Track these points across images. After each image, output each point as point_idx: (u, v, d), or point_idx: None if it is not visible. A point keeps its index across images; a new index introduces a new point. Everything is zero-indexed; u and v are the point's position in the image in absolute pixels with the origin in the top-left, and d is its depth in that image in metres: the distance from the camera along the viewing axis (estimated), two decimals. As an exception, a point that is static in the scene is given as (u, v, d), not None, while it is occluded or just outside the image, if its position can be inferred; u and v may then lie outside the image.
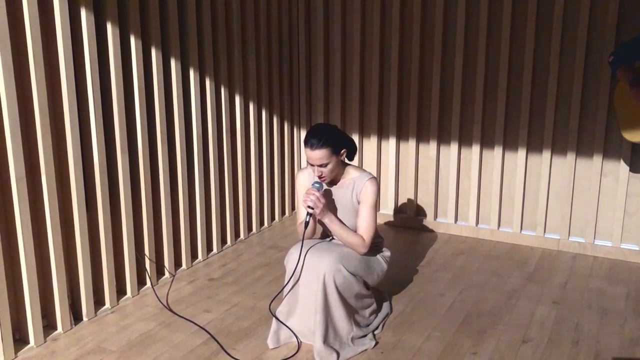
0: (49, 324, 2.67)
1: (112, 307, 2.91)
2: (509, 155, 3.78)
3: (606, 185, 3.54)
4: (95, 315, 2.82)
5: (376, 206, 2.58)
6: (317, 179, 2.55)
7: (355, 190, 2.60)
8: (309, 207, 2.47)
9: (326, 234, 2.79)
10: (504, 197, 3.85)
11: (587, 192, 3.59)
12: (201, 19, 3.33)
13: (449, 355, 2.48)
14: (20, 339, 2.55)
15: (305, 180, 2.70)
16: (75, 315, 2.77)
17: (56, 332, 2.64)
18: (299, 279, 2.52)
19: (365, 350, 2.50)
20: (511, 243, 3.84)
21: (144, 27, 2.97)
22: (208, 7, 3.34)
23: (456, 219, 4.03)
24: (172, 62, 3.14)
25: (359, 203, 2.60)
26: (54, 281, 2.60)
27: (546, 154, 3.63)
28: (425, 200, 4.12)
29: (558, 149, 3.62)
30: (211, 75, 3.43)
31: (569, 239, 3.68)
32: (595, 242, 3.62)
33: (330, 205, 2.65)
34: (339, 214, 2.64)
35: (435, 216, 4.11)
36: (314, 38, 4.23)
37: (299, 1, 4.16)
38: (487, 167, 3.87)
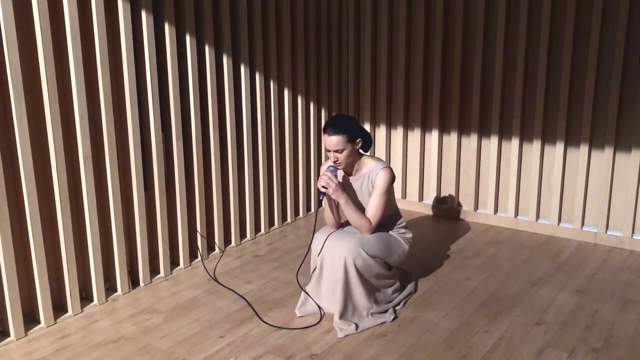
0: (110, 287, 3.07)
1: (165, 276, 3.28)
2: (547, 148, 3.85)
3: (645, 180, 3.55)
4: (151, 282, 3.19)
5: (387, 194, 2.75)
6: (332, 164, 2.77)
7: (370, 178, 2.80)
8: (322, 187, 2.70)
9: None
10: (542, 189, 3.93)
11: (625, 186, 3.62)
12: (252, 16, 3.63)
13: (462, 331, 2.66)
14: (86, 297, 2.96)
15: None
16: (134, 281, 3.16)
17: (116, 293, 3.03)
18: (322, 261, 2.77)
19: (384, 322, 2.72)
20: (548, 235, 3.91)
21: (199, 26, 3.30)
22: (259, 4, 3.63)
23: (496, 210, 4.14)
24: (224, 58, 3.46)
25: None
26: (115, 250, 2.99)
27: (584, 148, 3.68)
28: (466, 192, 4.25)
29: (596, 142, 3.67)
30: (261, 70, 3.73)
31: (607, 233, 3.72)
32: (633, 237, 3.64)
33: (349, 194, 2.86)
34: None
35: (476, 207, 4.23)
36: (362, 34, 4.44)
37: None
38: (526, 160, 3.95)
